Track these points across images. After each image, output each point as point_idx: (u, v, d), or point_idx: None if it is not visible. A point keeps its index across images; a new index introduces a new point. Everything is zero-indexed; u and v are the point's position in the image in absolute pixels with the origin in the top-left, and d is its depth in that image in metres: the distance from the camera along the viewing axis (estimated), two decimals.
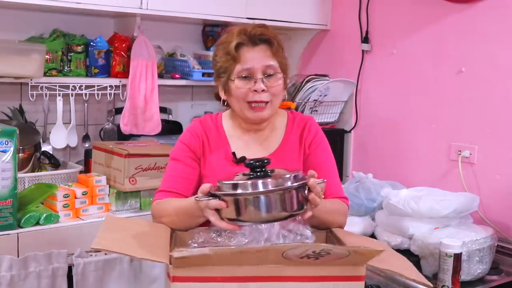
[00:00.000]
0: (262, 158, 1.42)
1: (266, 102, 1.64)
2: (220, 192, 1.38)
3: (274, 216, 1.36)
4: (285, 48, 1.71)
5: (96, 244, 1.28)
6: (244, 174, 1.42)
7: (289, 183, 1.37)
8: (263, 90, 1.62)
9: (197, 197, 1.43)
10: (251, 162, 1.41)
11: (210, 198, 1.40)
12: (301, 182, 1.39)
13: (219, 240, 1.43)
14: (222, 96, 1.71)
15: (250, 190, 1.35)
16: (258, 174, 1.40)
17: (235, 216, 1.37)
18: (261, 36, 1.64)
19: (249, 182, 1.36)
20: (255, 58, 1.63)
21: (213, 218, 1.40)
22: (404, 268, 1.38)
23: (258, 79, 1.62)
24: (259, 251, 1.25)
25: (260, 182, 1.35)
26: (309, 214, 1.42)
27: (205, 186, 1.42)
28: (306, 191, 1.40)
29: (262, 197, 1.35)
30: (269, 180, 1.36)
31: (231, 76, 1.64)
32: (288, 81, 1.75)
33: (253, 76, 1.62)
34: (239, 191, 1.36)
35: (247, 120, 1.70)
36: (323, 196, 1.45)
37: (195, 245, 1.43)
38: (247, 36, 1.64)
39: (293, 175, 1.39)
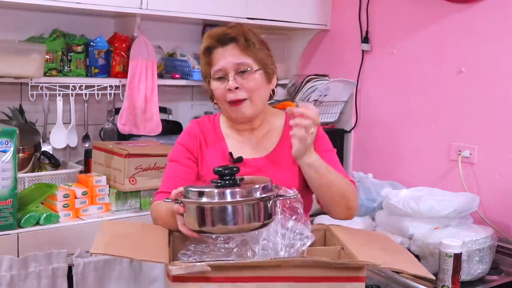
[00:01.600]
0: (231, 166, 1.41)
1: (244, 100, 1.64)
2: (181, 199, 1.39)
3: (233, 229, 1.33)
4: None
5: (95, 249, 1.28)
6: (212, 181, 1.39)
7: (257, 194, 1.34)
8: (236, 88, 1.62)
9: (166, 199, 1.45)
10: (220, 169, 1.39)
11: (177, 201, 1.40)
12: (269, 194, 1.36)
13: (217, 240, 1.42)
14: (213, 99, 1.73)
15: (197, 199, 1.34)
16: (226, 182, 1.37)
17: (195, 224, 1.36)
18: (226, 35, 1.65)
19: (206, 190, 1.35)
20: (225, 57, 1.64)
21: (179, 222, 1.42)
22: (404, 259, 1.39)
23: (230, 77, 1.63)
24: (258, 265, 1.27)
25: (207, 190, 1.34)
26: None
27: (175, 190, 1.43)
28: (271, 203, 1.36)
29: (217, 207, 1.33)
30: (229, 190, 1.33)
31: (210, 79, 1.67)
32: (274, 74, 1.72)
33: (227, 76, 1.63)
34: (191, 199, 1.36)
35: (233, 120, 1.71)
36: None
37: (193, 244, 1.43)
38: (214, 38, 1.65)
39: (262, 185, 1.36)
